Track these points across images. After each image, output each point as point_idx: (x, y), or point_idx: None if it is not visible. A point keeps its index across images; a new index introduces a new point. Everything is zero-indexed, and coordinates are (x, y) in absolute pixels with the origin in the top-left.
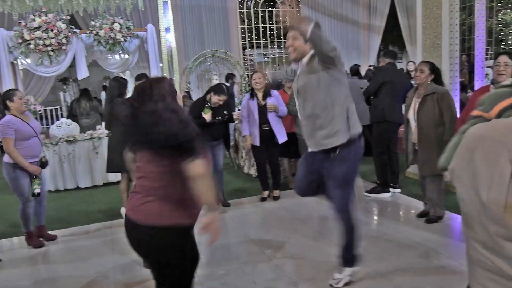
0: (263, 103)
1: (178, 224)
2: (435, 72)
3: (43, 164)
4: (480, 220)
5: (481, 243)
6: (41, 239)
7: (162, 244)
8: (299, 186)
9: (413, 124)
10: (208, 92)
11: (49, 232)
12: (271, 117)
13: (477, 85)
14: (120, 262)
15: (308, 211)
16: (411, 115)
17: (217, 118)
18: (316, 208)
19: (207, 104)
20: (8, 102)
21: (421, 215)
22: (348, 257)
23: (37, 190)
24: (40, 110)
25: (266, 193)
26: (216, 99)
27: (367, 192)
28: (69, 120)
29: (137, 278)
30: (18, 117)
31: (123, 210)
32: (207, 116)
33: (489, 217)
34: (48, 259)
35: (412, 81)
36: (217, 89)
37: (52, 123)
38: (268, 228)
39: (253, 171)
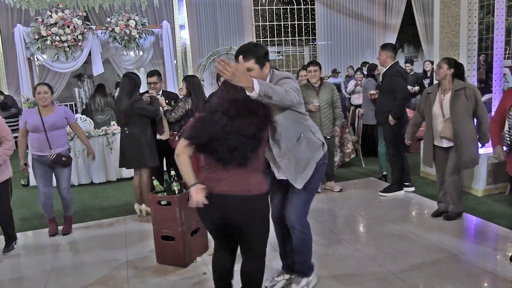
0: None
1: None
2: (456, 66)
3: (52, 162)
4: None
5: None
6: (60, 228)
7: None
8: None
9: (439, 119)
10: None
11: (59, 226)
12: None
13: (495, 85)
14: (133, 257)
15: (319, 208)
16: (438, 111)
17: None
18: (319, 204)
19: None
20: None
21: (435, 214)
22: (303, 269)
23: (22, 182)
24: None
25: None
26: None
27: (381, 192)
28: (84, 116)
29: (150, 272)
30: (39, 110)
31: (137, 207)
32: None
33: None
34: (60, 253)
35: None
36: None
37: None
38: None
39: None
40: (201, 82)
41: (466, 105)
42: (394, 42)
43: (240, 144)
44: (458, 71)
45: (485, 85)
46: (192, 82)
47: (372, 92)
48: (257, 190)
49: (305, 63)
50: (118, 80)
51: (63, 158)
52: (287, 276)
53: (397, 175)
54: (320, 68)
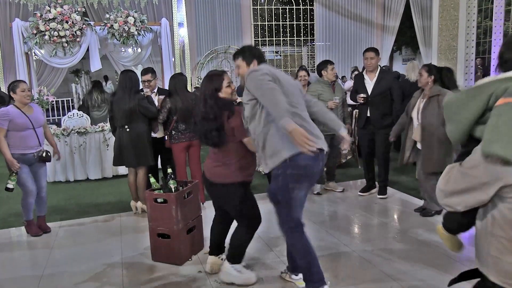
0: None
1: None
2: (436, 73)
3: (41, 158)
4: None
5: None
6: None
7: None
8: None
9: (415, 123)
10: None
11: (54, 222)
12: None
13: None
14: (128, 254)
15: (317, 209)
16: (415, 114)
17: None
18: (325, 205)
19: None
20: (11, 93)
21: (418, 209)
22: (308, 278)
23: (9, 186)
24: (52, 101)
25: None
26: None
27: (380, 195)
28: (81, 112)
29: (145, 270)
30: (19, 108)
31: (132, 204)
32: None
33: None
34: (54, 250)
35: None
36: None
37: (64, 114)
38: (277, 226)
39: (261, 169)
40: (186, 79)
41: (437, 111)
42: (392, 44)
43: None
44: (439, 77)
45: None
46: (174, 82)
47: (363, 95)
48: (220, 179)
49: (303, 64)
50: (105, 74)
51: (49, 153)
52: (291, 276)
53: (387, 176)
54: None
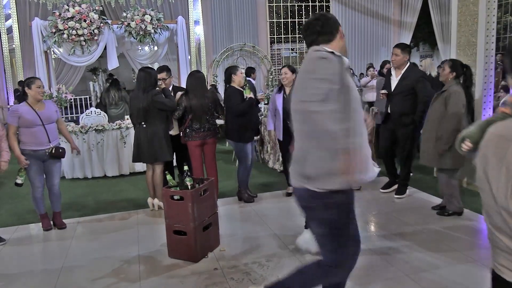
0: None
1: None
2: (456, 70)
3: (51, 154)
4: (495, 208)
5: (497, 228)
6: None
7: None
8: None
9: None
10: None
11: (72, 219)
12: None
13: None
14: (145, 251)
15: None
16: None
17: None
18: None
19: (245, 86)
20: (26, 89)
21: (435, 207)
22: None
23: (18, 181)
24: (70, 99)
25: (291, 188)
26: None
27: (397, 194)
28: (98, 110)
29: (162, 266)
30: (30, 105)
31: (149, 201)
32: (251, 94)
33: (499, 204)
34: (73, 245)
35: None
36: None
37: (81, 112)
38: (292, 224)
39: (278, 166)
40: (203, 76)
41: (440, 107)
42: (409, 41)
43: None
44: (459, 73)
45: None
46: (190, 80)
47: (383, 91)
48: None
49: None
50: (110, 73)
51: (60, 150)
52: None
53: (406, 176)
54: None
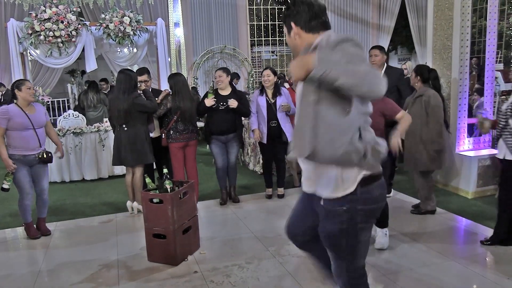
0: (272, 101)
1: None
2: (421, 73)
3: (40, 159)
4: None
5: None
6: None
7: None
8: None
9: None
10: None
11: (50, 223)
12: (280, 114)
13: (487, 88)
14: (124, 255)
15: None
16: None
17: (221, 104)
18: None
19: (211, 89)
20: (16, 90)
21: (413, 206)
22: None
23: (5, 186)
24: (48, 101)
25: (270, 190)
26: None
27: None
28: (76, 112)
29: (141, 270)
30: (20, 108)
31: (129, 204)
32: (208, 100)
33: None
34: (50, 251)
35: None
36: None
37: (59, 114)
38: (272, 226)
39: (258, 168)
40: (185, 79)
41: (420, 111)
42: (387, 44)
43: None
44: (425, 77)
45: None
46: (175, 81)
47: None
48: None
49: None
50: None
51: (50, 154)
52: None
53: (390, 175)
54: None
